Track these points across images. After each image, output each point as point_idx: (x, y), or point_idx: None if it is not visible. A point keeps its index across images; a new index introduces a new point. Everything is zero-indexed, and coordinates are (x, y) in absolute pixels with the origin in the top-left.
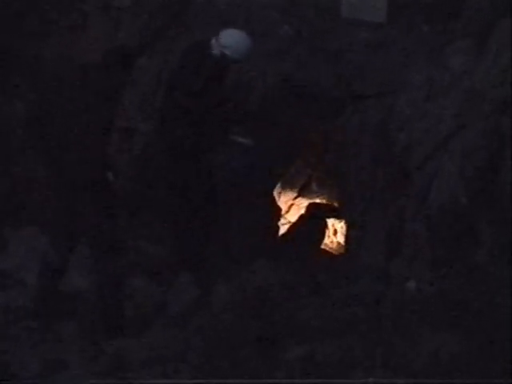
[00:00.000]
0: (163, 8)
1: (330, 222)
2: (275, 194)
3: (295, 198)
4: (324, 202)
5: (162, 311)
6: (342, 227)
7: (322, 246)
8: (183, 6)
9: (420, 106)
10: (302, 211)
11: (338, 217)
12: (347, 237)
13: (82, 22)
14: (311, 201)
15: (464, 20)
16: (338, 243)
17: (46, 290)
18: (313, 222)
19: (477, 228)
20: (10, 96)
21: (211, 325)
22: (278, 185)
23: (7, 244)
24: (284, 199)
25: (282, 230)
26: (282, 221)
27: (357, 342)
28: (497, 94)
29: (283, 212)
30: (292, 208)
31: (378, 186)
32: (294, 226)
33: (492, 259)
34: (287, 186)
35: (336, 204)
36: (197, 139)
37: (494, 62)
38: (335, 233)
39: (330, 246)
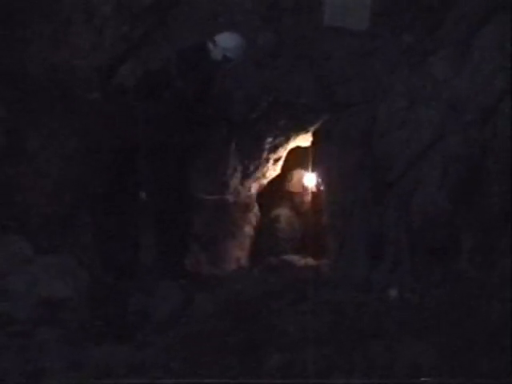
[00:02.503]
0: (146, 15)
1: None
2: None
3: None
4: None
5: (144, 319)
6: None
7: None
8: (166, 12)
9: (402, 115)
10: None
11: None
12: (329, 245)
13: (64, 30)
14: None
15: (446, 29)
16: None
17: None
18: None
19: (458, 236)
20: None
21: (193, 333)
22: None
23: None
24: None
25: None
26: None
27: (337, 349)
28: (479, 103)
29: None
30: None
31: (360, 194)
32: None
33: (474, 267)
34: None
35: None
36: (182, 143)
37: (476, 71)
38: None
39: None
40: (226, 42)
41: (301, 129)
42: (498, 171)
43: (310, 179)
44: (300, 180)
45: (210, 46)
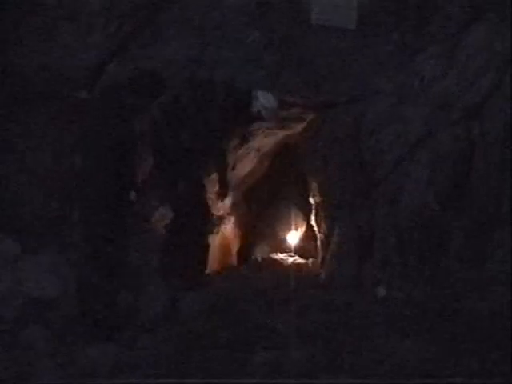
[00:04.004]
0: (134, 14)
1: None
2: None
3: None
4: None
5: (133, 318)
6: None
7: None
8: (154, 11)
9: (390, 113)
10: None
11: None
12: (318, 244)
13: (53, 28)
14: None
15: (434, 27)
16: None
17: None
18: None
19: (447, 234)
20: None
21: (182, 332)
22: None
23: None
24: None
25: None
26: None
27: (325, 348)
28: (466, 100)
29: None
30: None
31: (348, 192)
32: None
33: (462, 265)
34: None
35: None
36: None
37: (463, 69)
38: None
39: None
40: (265, 100)
41: (289, 127)
42: (486, 169)
43: (293, 238)
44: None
45: (254, 98)
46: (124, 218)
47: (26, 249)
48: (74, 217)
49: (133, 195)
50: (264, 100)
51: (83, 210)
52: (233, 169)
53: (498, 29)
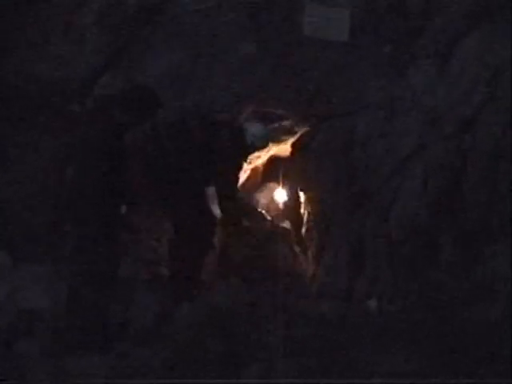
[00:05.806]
0: (126, 27)
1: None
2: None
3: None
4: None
5: (124, 330)
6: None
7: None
8: (147, 23)
9: (382, 126)
10: None
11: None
12: (309, 256)
13: (45, 40)
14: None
15: (426, 40)
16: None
17: None
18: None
19: (437, 246)
20: None
21: (173, 343)
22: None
23: None
24: None
25: None
26: None
27: (317, 360)
28: (458, 113)
29: None
30: None
31: (339, 205)
32: None
33: (452, 277)
34: None
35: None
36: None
37: (455, 82)
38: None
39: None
40: (255, 130)
41: (279, 140)
42: (477, 182)
43: (280, 195)
44: (271, 193)
45: (246, 129)
46: (115, 230)
47: (17, 261)
48: (65, 229)
49: (123, 208)
50: (254, 130)
51: (74, 223)
52: None
53: (490, 42)
